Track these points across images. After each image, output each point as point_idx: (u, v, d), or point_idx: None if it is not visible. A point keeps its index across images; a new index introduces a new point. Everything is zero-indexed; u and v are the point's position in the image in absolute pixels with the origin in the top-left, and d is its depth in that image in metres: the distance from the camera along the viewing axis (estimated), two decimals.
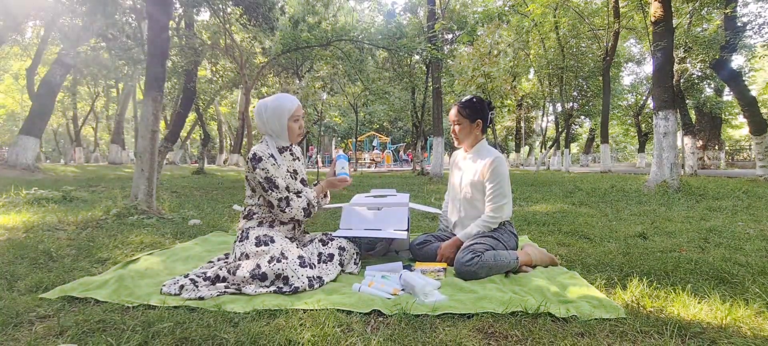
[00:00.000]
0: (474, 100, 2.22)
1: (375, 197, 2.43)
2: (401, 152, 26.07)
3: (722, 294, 1.71)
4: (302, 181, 2.15)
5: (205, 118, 14.54)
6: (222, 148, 25.58)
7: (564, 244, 2.68)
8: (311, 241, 2.07)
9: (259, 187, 1.97)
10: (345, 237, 2.08)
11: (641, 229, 3.11)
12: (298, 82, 12.45)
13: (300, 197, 2.01)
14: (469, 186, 2.20)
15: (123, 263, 2.13)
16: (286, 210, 1.97)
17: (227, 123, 26.67)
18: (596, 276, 1.97)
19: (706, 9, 11.06)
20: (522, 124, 25.01)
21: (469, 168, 2.24)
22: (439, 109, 9.82)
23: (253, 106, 17.10)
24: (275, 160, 2.01)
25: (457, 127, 2.22)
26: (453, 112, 2.23)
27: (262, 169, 1.95)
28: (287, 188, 1.99)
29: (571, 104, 16.10)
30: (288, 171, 2.06)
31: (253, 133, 19.75)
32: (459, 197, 2.26)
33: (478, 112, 2.21)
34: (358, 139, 23.21)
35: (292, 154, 2.14)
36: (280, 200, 1.96)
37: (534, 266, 2.09)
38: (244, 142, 16.83)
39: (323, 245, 2.02)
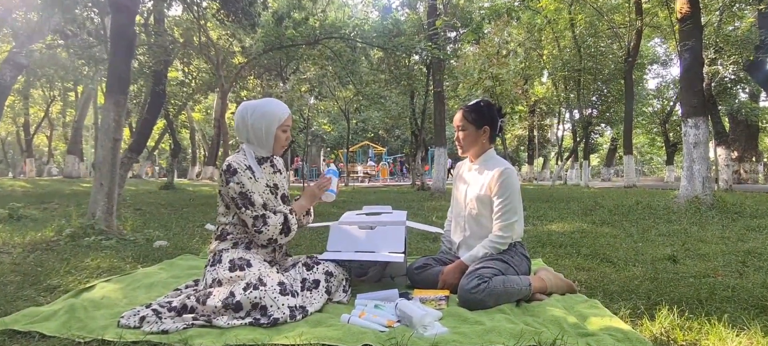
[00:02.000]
0: (482, 103, 2.25)
1: (368, 214, 2.43)
2: (395, 165, 26.24)
3: (764, 325, 1.71)
4: (283, 197, 2.15)
5: (175, 126, 14.58)
6: (194, 159, 25.58)
7: (583, 268, 2.68)
8: (294, 265, 2.06)
9: (233, 203, 1.96)
10: (333, 261, 2.07)
11: (671, 251, 3.12)
12: (282, 85, 12.54)
13: (278, 215, 2.00)
14: (475, 201, 2.20)
15: (75, 291, 2.11)
16: (263, 230, 1.96)
17: (201, 131, 26.75)
18: (620, 305, 1.97)
19: (737, 5, 11.29)
20: (535, 133, 25.01)
21: (474, 181, 2.24)
22: (442, 115, 9.93)
23: (231, 113, 17.20)
24: (253, 173, 2.01)
25: (461, 134, 2.24)
26: (458, 116, 2.26)
27: (237, 183, 1.94)
28: (264, 206, 1.98)
29: (589, 111, 16.35)
30: (267, 185, 2.06)
31: (231, 142, 19.80)
32: (463, 214, 2.26)
33: (485, 117, 2.22)
34: (350, 149, 23.25)
35: (273, 166, 2.15)
36: (255, 218, 1.95)
37: (549, 294, 2.09)
38: (219, 153, 16.81)
39: (308, 270, 2.01)
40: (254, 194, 1.96)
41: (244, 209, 1.94)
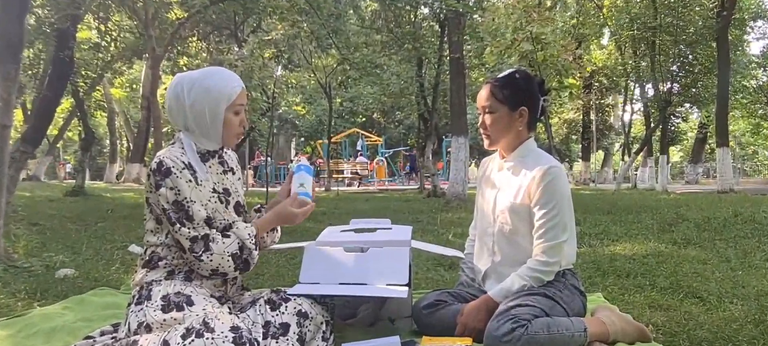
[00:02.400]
0: (517, 75, 2.25)
1: (357, 231, 2.44)
2: (401, 162, 26.03)
3: None
4: (237, 206, 2.14)
5: (87, 107, 14.46)
6: (114, 154, 25.41)
7: (660, 306, 2.67)
8: (253, 303, 2.03)
9: (165, 216, 1.95)
10: (308, 296, 2.05)
11: None
12: (237, 49, 12.46)
13: (229, 235, 1.98)
14: (508, 213, 2.19)
15: None
16: (204, 258, 1.93)
17: (124, 114, 26.53)
18: None
19: None
20: (592, 117, 24.92)
21: (507, 184, 2.24)
22: (461, 92, 9.88)
23: (166, 88, 16.93)
24: (194, 174, 1.99)
25: (488, 118, 2.22)
26: (483, 93, 2.24)
27: (171, 189, 1.92)
28: (208, 221, 1.96)
29: (668, 85, 16.23)
30: (215, 191, 2.05)
31: (165, 129, 19.72)
32: (492, 231, 2.26)
33: (522, 94, 2.22)
34: (333, 139, 22.81)
35: (223, 163, 2.14)
36: (194, 240, 1.92)
37: (612, 343, 2.09)
38: (149, 145, 16.67)
39: (272, 310, 1.99)
40: (194, 205, 1.94)
41: (178, 225, 1.92)
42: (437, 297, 2.29)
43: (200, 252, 1.91)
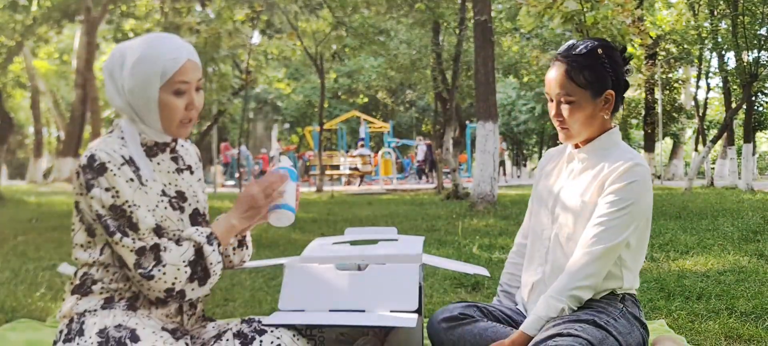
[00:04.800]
0: (599, 49, 1.86)
1: (353, 244, 2.16)
2: (414, 154, 22.30)
3: None
4: (195, 215, 1.80)
5: (2, 85, 12.90)
6: (40, 146, 22.16)
7: (741, 336, 2.38)
8: (219, 336, 1.74)
9: (100, 225, 1.63)
10: (289, 327, 1.77)
11: None
12: (199, 9, 11.39)
13: (181, 245, 1.66)
14: (571, 214, 1.87)
15: None
16: (155, 273, 1.62)
17: (53, 94, 23.06)
18: None
19: None
20: (658, 96, 20.44)
21: (577, 178, 1.91)
22: (489, 65, 8.55)
23: (105, 60, 15.33)
24: (136, 172, 1.67)
25: (566, 108, 1.84)
26: (556, 74, 1.84)
27: (106, 190, 1.60)
28: (158, 230, 1.64)
29: (755, 53, 13.16)
30: (164, 193, 1.72)
31: (106, 114, 17.25)
32: (548, 234, 1.92)
33: (609, 73, 1.85)
34: (326, 126, 19.59)
35: (177, 159, 1.81)
36: (141, 252, 1.61)
37: None
38: (86, 134, 14.91)
39: (244, 345, 1.70)
40: (138, 209, 1.61)
41: (119, 235, 1.60)
42: (462, 310, 1.96)
43: (149, 267, 1.60)
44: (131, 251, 1.60)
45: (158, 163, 1.75)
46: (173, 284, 1.63)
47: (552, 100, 1.89)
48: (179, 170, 1.80)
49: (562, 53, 1.86)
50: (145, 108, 1.68)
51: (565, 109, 1.86)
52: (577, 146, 1.94)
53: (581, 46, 1.87)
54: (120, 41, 11.65)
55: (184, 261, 1.63)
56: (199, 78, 1.73)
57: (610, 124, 1.92)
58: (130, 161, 1.65)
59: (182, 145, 1.85)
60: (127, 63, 1.67)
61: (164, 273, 1.61)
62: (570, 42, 1.92)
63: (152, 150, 1.74)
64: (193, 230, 1.71)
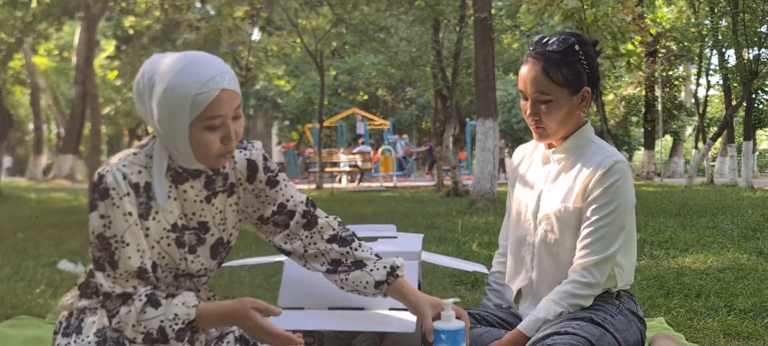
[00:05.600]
0: (575, 44, 1.80)
1: (360, 242, 2.12)
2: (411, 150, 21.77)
3: None
4: (216, 245, 1.68)
5: (3, 82, 12.76)
6: (40, 143, 21.97)
7: (739, 334, 2.37)
8: (221, 339, 1.69)
9: (90, 245, 1.54)
10: (288, 330, 1.70)
11: None
12: (199, 6, 11.26)
13: (158, 306, 1.53)
14: (554, 219, 1.83)
15: None
16: (113, 320, 1.52)
17: (53, 91, 22.68)
18: None
19: None
20: (658, 94, 20.41)
21: (555, 183, 1.88)
22: (489, 63, 8.48)
23: (107, 56, 14.82)
24: (144, 202, 1.55)
25: (543, 107, 1.79)
26: (530, 71, 1.79)
27: (101, 218, 1.49)
28: (140, 273, 1.53)
29: (755, 51, 13.17)
30: (175, 229, 1.60)
31: (106, 111, 16.55)
32: (531, 240, 1.90)
33: (584, 70, 1.80)
34: (326, 123, 19.15)
35: (212, 183, 1.66)
36: (107, 296, 1.52)
37: None
38: (85, 131, 14.61)
39: None
40: (124, 248, 1.51)
41: (96, 268, 1.53)
42: None
43: (112, 310, 1.51)
44: (101, 287, 1.49)
45: (185, 191, 1.62)
46: (125, 332, 1.50)
47: (526, 99, 1.81)
48: (212, 196, 1.67)
49: (537, 50, 1.79)
50: (175, 141, 1.52)
51: (542, 108, 1.79)
52: (551, 145, 1.89)
53: (555, 42, 1.80)
54: (120, 38, 11.50)
55: (141, 329, 1.50)
56: (238, 105, 1.53)
57: (584, 120, 1.88)
58: (141, 190, 1.54)
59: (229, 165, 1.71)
60: (155, 90, 1.49)
61: (118, 325, 1.50)
62: (542, 36, 1.86)
63: (182, 176, 1.61)
64: (183, 303, 1.54)
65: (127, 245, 1.50)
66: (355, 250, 1.76)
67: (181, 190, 1.61)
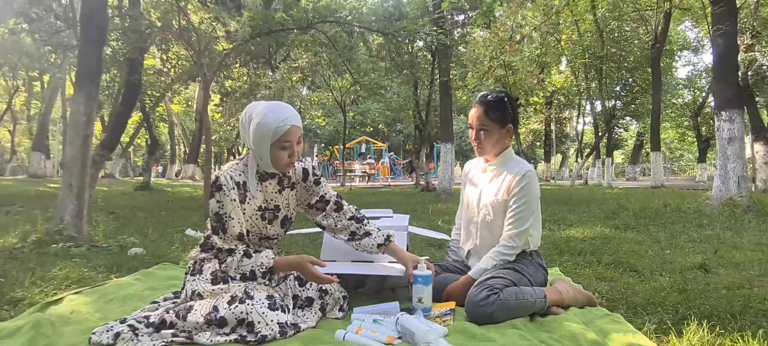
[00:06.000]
0: (505, 98, 2.19)
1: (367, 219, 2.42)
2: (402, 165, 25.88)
3: None
4: (284, 220, 2.07)
5: (152, 120, 14.57)
6: (174, 157, 25.56)
7: (605, 278, 2.67)
8: (285, 278, 2.02)
9: (208, 220, 1.93)
10: (327, 274, 2.02)
11: (702, 259, 3.10)
12: (271, 73, 12.47)
13: (250, 259, 1.90)
14: (490, 207, 2.15)
15: (41, 305, 2.10)
16: (225, 261, 1.90)
17: (181, 125, 26.69)
18: (645, 319, 1.97)
19: None
20: (552, 128, 25.06)
21: (490, 184, 2.20)
22: (448, 108, 9.96)
23: (215, 104, 17.08)
24: (244, 192, 1.93)
25: (482, 134, 2.16)
26: (477, 113, 2.17)
27: (217, 202, 1.88)
28: (240, 236, 1.91)
29: (613, 102, 16.28)
30: (260, 209, 1.98)
31: (214, 136, 19.72)
32: (476, 220, 2.22)
33: (509, 114, 2.17)
34: (347, 145, 23.07)
35: (281, 181, 2.06)
36: (220, 250, 1.90)
37: (566, 307, 2.09)
38: (201, 150, 16.77)
39: (300, 285, 1.99)
40: (231, 221, 1.88)
41: (212, 233, 1.89)
42: None
43: (222, 259, 1.90)
44: (216, 246, 1.88)
45: (266, 186, 1.99)
46: (233, 274, 1.87)
47: (473, 129, 2.19)
48: (282, 189, 2.03)
49: (481, 100, 2.17)
50: (262, 155, 1.91)
51: (482, 134, 2.16)
52: (487, 160, 2.23)
53: (493, 96, 2.18)
54: (226, 94, 13.80)
55: (240, 271, 1.86)
56: (300, 135, 1.89)
57: (509, 145, 2.21)
58: (240, 185, 1.90)
59: (290, 171, 2.05)
60: (252, 123, 1.88)
61: (226, 267, 1.87)
62: (485, 93, 2.22)
63: (264, 177, 1.99)
64: (268, 256, 1.90)
65: (232, 219, 1.86)
66: (365, 226, 2.13)
67: (264, 185, 1.99)
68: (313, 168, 2.14)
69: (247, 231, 1.93)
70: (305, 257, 1.92)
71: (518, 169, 2.10)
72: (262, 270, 1.87)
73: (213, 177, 1.92)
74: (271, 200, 2.01)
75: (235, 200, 1.87)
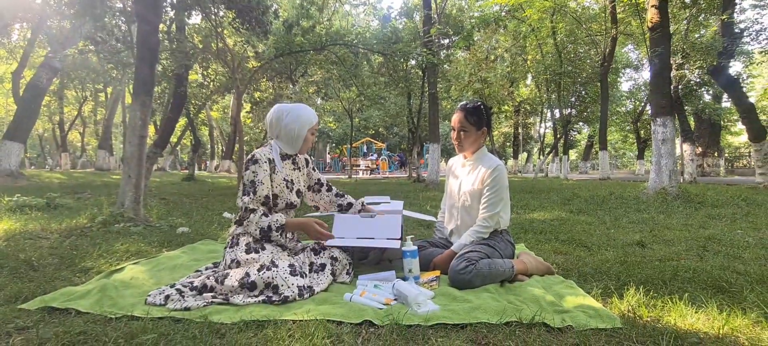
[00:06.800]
0: (481, 106, 2.19)
1: (368, 204, 2.43)
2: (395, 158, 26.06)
3: (720, 303, 1.72)
4: (297, 192, 2.16)
5: (195, 124, 14.53)
6: (213, 154, 25.55)
7: (561, 252, 2.67)
8: (303, 250, 2.05)
9: (243, 187, 1.99)
10: (337, 247, 2.05)
11: (639, 237, 3.10)
12: (291, 86, 12.47)
13: (268, 219, 1.98)
14: (468, 194, 2.17)
15: (107, 273, 2.11)
16: (248, 218, 1.97)
17: (219, 128, 26.67)
18: (593, 285, 1.97)
19: (703, 15, 11.26)
20: (520, 131, 25.21)
21: (468, 176, 2.21)
22: (436, 114, 9.89)
23: (246, 111, 17.08)
24: (273, 166, 2.03)
25: (462, 134, 2.18)
26: (458, 117, 2.18)
27: (253, 172, 1.97)
28: (266, 199, 1.98)
29: (569, 110, 16.33)
30: (284, 180, 2.07)
31: (246, 138, 19.81)
32: (457, 205, 2.23)
33: (485, 119, 2.18)
34: (353, 145, 23.43)
35: (294, 163, 2.18)
36: (244, 209, 1.97)
37: (530, 275, 2.08)
38: (235, 148, 16.82)
39: (315, 255, 2.00)
40: (261, 186, 1.95)
41: (243, 194, 1.97)
42: (420, 243, 2.30)
43: (247, 215, 1.96)
44: (245, 202, 1.94)
45: (285, 164, 2.11)
46: (249, 230, 1.95)
47: (455, 130, 2.20)
48: (295, 169, 2.16)
49: (462, 107, 2.19)
50: (293, 139, 2.06)
51: (462, 134, 2.19)
52: (466, 156, 2.24)
53: (471, 104, 2.20)
54: (255, 103, 14.26)
55: (258, 225, 1.94)
56: (318, 128, 2.14)
57: (483, 144, 2.22)
58: (270, 161, 2.03)
59: (299, 156, 2.21)
60: (291, 113, 2.05)
61: (250, 225, 1.95)
62: (465, 102, 2.24)
63: (284, 157, 2.11)
64: (281, 217, 1.99)
65: (263, 184, 1.95)
66: (346, 200, 2.32)
67: (285, 163, 2.11)
68: (312, 159, 2.35)
69: (276, 196, 2.01)
70: (311, 220, 2.02)
71: (490, 164, 2.12)
72: (276, 226, 1.95)
73: (250, 154, 2.02)
74: (289, 175, 2.12)
75: (266, 171, 1.98)
